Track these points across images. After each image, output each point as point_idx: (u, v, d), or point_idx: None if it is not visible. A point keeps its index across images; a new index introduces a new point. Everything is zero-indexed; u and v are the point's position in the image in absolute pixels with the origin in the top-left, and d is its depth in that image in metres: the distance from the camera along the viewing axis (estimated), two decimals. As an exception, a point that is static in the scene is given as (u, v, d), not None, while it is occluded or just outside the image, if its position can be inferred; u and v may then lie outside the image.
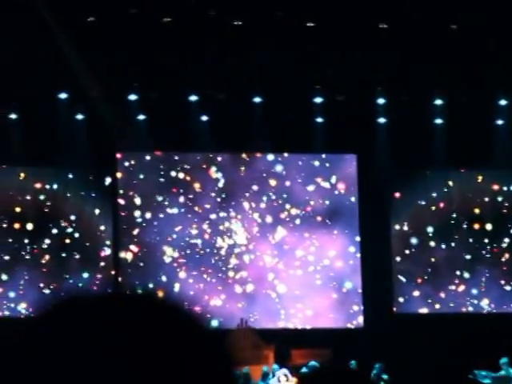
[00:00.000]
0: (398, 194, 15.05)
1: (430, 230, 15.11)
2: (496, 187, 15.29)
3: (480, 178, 15.28)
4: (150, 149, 14.50)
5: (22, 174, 14.35)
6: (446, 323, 14.18)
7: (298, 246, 14.58)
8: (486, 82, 13.93)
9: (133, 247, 14.39)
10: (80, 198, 14.42)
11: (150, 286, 14.28)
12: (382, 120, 14.76)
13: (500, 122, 15.01)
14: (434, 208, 15.16)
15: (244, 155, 14.76)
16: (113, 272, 14.32)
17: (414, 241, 15.10)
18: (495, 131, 14.97)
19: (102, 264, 14.30)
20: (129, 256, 14.37)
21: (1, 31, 12.42)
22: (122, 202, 14.49)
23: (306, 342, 13.79)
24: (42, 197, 14.37)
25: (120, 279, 14.33)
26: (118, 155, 14.61)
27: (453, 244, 15.10)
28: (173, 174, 14.54)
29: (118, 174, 14.55)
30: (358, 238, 14.75)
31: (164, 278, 14.31)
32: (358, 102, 14.32)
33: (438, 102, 14.54)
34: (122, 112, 13.93)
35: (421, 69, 13.68)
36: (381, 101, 14.46)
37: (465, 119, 14.33)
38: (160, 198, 14.44)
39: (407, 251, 15.06)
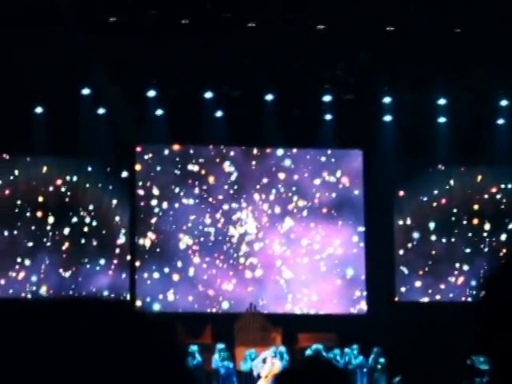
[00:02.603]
0: (401, 192, 15.57)
1: (431, 225, 15.64)
2: (495, 185, 15.79)
3: (480, 176, 15.77)
4: (168, 142, 14.95)
5: (45, 167, 14.86)
6: (446, 311, 14.63)
7: (305, 235, 15.10)
8: (487, 83, 14.39)
9: (150, 235, 14.93)
10: (98, 190, 14.92)
11: (166, 270, 14.93)
12: (387, 118, 15.24)
13: (501, 121, 15.46)
14: (435, 204, 15.66)
15: (255, 150, 15.32)
16: (128, 257, 14.89)
17: (416, 235, 15.59)
18: (496, 131, 15.37)
19: (118, 251, 14.86)
20: (147, 243, 14.91)
21: (28, 32, 13.09)
22: (141, 192, 15.04)
23: (312, 326, 14.25)
24: (63, 188, 14.88)
25: (138, 264, 14.99)
26: (138, 148, 15.13)
27: (453, 238, 15.59)
28: (189, 167, 15.05)
29: (137, 167, 15.06)
30: (361, 229, 15.23)
31: (179, 264, 14.86)
32: (366, 100, 14.81)
33: (442, 101, 14.99)
34: (141, 107, 14.49)
35: (425, 69, 14.16)
36: (387, 100, 14.94)
37: (467, 118, 14.66)
38: (176, 189, 14.97)
39: (409, 245, 15.54)
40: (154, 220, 14.97)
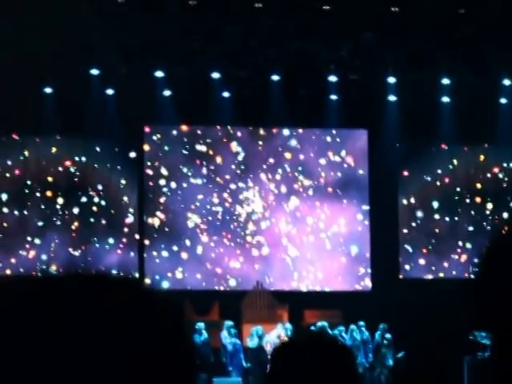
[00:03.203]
0: (406, 173, 15.78)
1: (435, 203, 15.87)
2: (497, 164, 16.00)
3: (482, 155, 15.99)
4: (175, 123, 15.12)
5: (54, 147, 15.04)
6: (449, 287, 14.86)
7: (310, 214, 15.33)
8: (490, 63, 14.50)
9: (159, 214, 15.17)
10: (107, 170, 15.15)
11: (175, 248, 15.17)
12: (392, 98, 15.44)
13: (503, 100, 15.62)
14: (438, 183, 15.90)
15: (262, 131, 15.51)
16: (137, 236, 15.14)
17: (419, 214, 15.87)
18: (499, 110, 15.52)
19: (126, 230, 15.11)
20: (156, 222, 15.16)
21: (37, 12, 13.20)
22: (149, 172, 15.27)
23: (318, 303, 14.49)
24: (72, 168, 15.09)
25: (147, 243, 15.24)
26: (147, 129, 15.35)
27: (456, 217, 15.82)
28: (197, 147, 15.27)
29: (146, 147, 15.28)
30: (365, 207, 15.47)
31: (188, 242, 15.15)
32: (370, 80, 14.96)
33: (445, 81, 15.15)
34: (149, 88, 14.63)
35: (429, 50, 14.33)
36: (391, 80, 15.14)
37: (470, 98, 14.81)
38: (184, 169, 15.20)
39: (413, 224, 15.82)
40: (162, 199, 15.21)
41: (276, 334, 13.06)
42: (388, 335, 13.88)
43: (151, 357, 0.84)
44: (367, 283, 15.41)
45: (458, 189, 15.91)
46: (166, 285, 15.12)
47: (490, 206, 15.93)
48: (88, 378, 0.81)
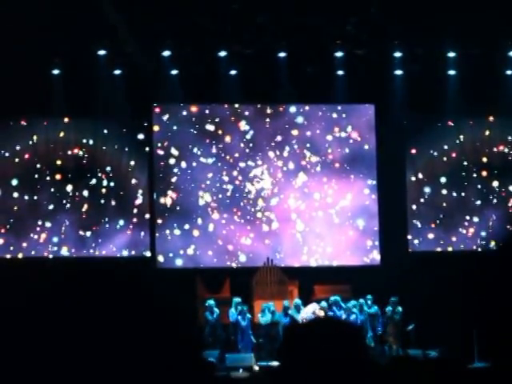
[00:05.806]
0: (414, 150, 15.82)
1: (442, 179, 15.93)
2: (503, 137, 16.00)
3: (488, 129, 16.02)
4: (183, 102, 15.14)
5: (62, 130, 15.03)
6: (458, 260, 14.95)
7: (318, 189, 15.45)
8: (496, 35, 14.41)
9: (170, 193, 15.27)
10: (115, 151, 15.18)
11: (186, 226, 15.27)
12: (398, 72, 15.44)
13: (509, 72, 15.58)
14: (445, 159, 15.95)
15: (269, 109, 15.56)
16: (147, 216, 15.19)
17: (427, 189, 15.94)
18: (504, 82, 15.53)
19: (136, 210, 15.14)
20: (168, 201, 15.25)
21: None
22: (159, 152, 15.33)
23: (328, 278, 14.62)
24: (80, 151, 15.09)
25: (160, 222, 15.34)
26: (157, 109, 15.36)
27: (463, 191, 15.85)
28: (206, 126, 15.33)
29: (155, 127, 15.34)
30: (371, 182, 15.51)
31: (199, 220, 15.27)
32: (377, 55, 14.94)
33: (451, 54, 15.13)
34: (157, 67, 14.64)
35: (435, 23, 14.32)
36: (398, 54, 15.12)
37: (476, 71, 14.82)
38: (194, 149, 15.30)
39: (422, 199, 15.88)
40: (173, 179, 15.30)
41: (311, 310, 13.19)
42: (399, 308, 14.01)
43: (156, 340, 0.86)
44: (375, 256, 15.53)
45: (465, 163, 15.97)
46: (179, 262, 15.27)
47: (496, 179, 15.99)
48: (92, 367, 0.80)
